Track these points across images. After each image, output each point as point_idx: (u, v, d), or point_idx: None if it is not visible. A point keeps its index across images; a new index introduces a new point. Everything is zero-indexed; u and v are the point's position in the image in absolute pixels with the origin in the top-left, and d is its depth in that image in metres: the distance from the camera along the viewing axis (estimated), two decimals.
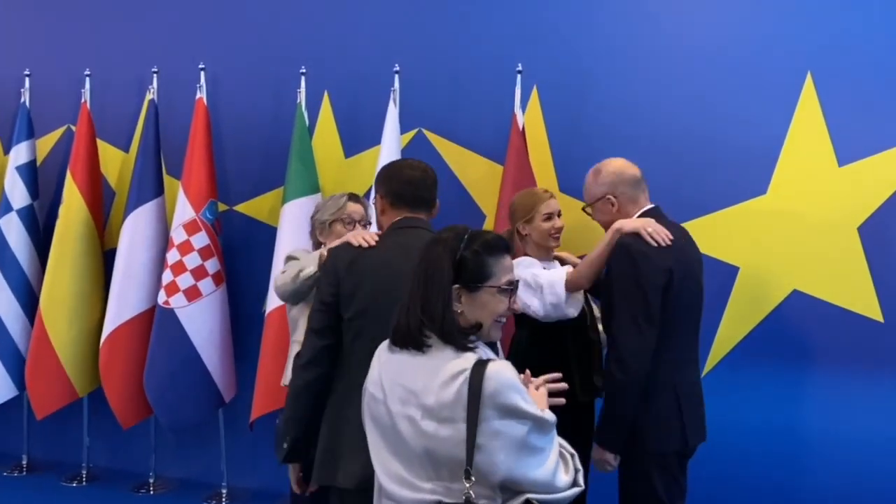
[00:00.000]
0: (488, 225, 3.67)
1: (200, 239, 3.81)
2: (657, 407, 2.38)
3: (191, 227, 3.81)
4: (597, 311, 2.92)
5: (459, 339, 1.68)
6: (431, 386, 1.64)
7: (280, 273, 2.85)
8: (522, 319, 2.81)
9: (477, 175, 3.75)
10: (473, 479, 1.59)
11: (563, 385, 1.79)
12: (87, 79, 4.14)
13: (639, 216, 2.54)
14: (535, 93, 3.68)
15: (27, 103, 4.28)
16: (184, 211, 3.82)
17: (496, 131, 3.67)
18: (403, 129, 3.76)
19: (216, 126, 4.05)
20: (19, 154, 4.19)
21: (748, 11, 3.41)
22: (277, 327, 3.60)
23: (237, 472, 4.06)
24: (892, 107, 3.24)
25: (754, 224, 3.38)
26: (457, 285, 1.70)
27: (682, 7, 3.51)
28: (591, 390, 2.82)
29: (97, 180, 4.16)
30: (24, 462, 4.36)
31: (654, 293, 2.35)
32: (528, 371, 1.80)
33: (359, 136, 3.93)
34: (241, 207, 4.14)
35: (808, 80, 3.32)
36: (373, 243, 2.18)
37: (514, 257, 2.81)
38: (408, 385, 1.68)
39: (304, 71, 3.88)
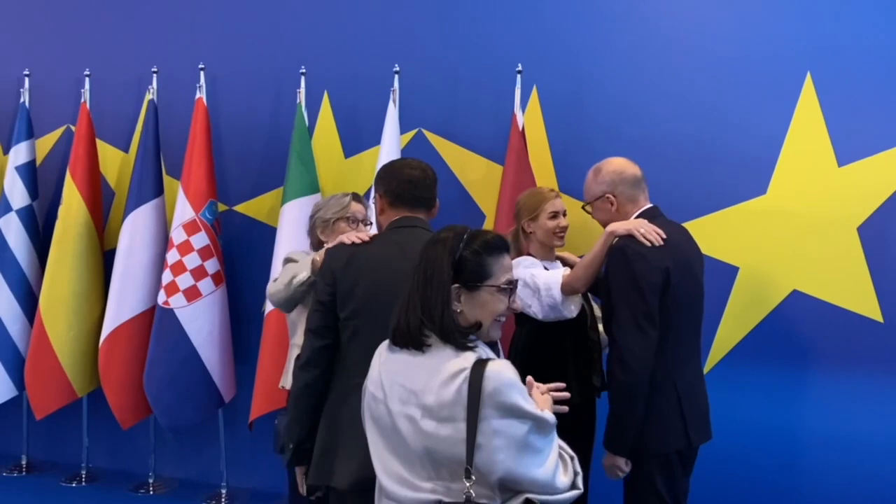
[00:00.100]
0: (488, 225, 3.67)
1: (200, 239, 3.81)
2: (657, 406, 2.37)
3: (190, 228, 3.81)
4: (597, 311, 2.93)
5: (459, 338, 1.68)
6: (431, 385, 1.64)
7: (272, 281, 2.82)
8: (522, 318, 2.82)
9: (477, 175, 3.76)
10: (474, 478, 1.59)
11: (567, 394, 1.79)
12: (87, 79, 4.15)
13: (636, 216, 2.54)
14: (534, 93, 3.67)
15: (27, 103, 4.28)
16: (183, 211, 3.82)
17: (496, 131, 3.67)
18: (403, 129, 3.76)
19: (216, 126, 4.05)
20: (19, 154, 4.19)
21: (748, 12, 3.41)
22: (277, 327, 3.60)
23: (237, 473, 4.06)
24: (892, 107, 3.24)
25: (754, 224, 3.38)
26: (456, 285, 1.69)
27: (682, 8, 3.51)
28: (590, 390, 2.83)
29: (97, 180, 4.16)
30: (24, 462, 4.35)
31: (652, 293, 2.35)
32: (530, 377, 1.79)
33: (358, 137, 3.93)
34: (240, 207, 4.14)
35: (808, 81, 3.33)
36: (367, 239, 2.17)
37: (519, 255, 2.83)
38: (408, 384, 1.68)
39: (303, 71, 3.88)
